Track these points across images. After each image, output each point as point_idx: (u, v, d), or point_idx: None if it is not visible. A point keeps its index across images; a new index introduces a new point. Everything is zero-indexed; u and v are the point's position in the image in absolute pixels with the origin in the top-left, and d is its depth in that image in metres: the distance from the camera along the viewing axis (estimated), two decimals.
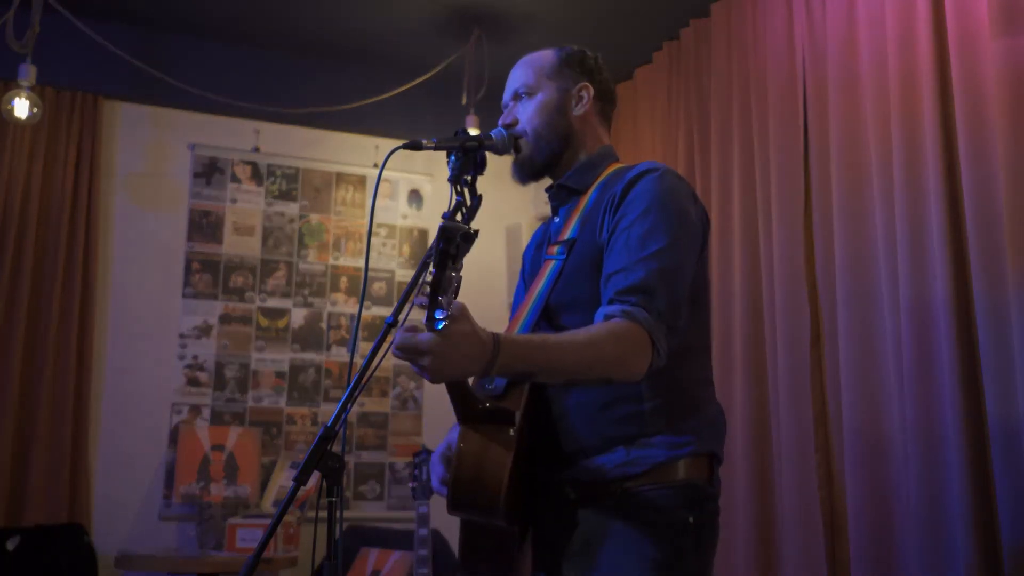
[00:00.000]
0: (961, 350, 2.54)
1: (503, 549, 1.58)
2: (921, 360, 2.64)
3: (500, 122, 1.79)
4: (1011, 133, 2.43)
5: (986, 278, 2.47)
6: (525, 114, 1.78)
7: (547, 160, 1.78)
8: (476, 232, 1.30)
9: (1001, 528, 2.37)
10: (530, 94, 1.78)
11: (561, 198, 1.81)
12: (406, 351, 1.32)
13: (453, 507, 1.54)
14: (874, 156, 2.95)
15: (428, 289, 1.27)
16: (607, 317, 1.51)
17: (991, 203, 2.49)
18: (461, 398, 1.54)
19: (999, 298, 2.44)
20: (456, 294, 1.30)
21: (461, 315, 1.33)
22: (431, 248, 1.27)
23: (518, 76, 1.82)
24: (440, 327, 1.28)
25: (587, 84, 1.80)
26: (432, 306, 1.28)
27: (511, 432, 1.52)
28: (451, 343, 1.32)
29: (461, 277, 1.30)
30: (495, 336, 1.38)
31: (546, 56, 1.82)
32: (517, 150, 1.77)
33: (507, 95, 1.83)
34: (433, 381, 1.38)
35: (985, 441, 2.46)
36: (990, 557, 2.41)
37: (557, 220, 1.81)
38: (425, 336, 1.31)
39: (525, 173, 1.79)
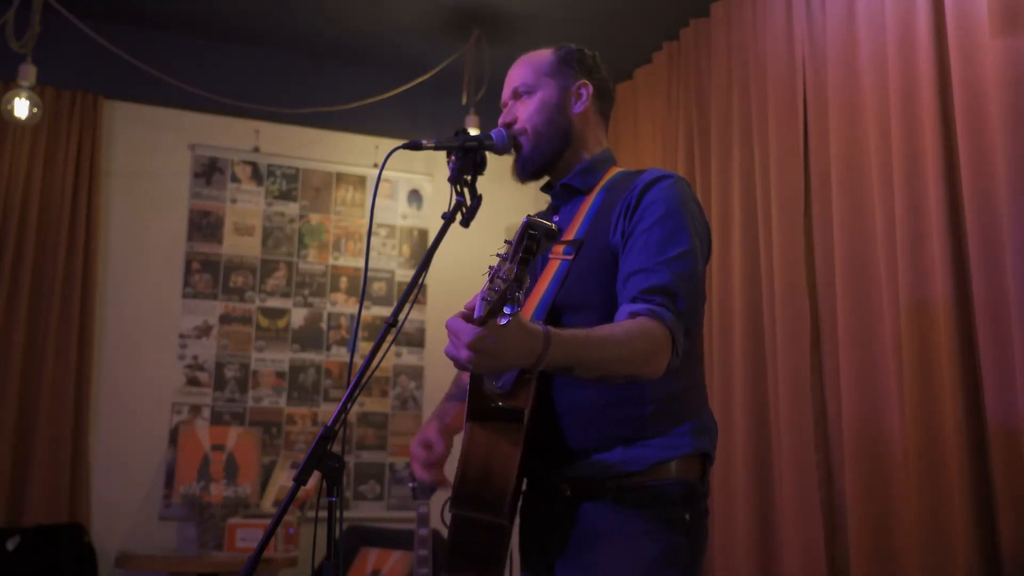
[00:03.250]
0: (961, 350, 2.54)
1: (495, 547, 1.58)
2: (921, 360, 2.64)
3: (500, 121, 1.79)
4: (1011, 133, 2.43)
5: (986, 278, 2.47)
6: (525, 112, 1.77)
7: (548, 158, 1.77)
8: (560, 230, 1.28)
9: (1001, 528, 2.37)
10: (529, 92, 1.78)
11: (563, 198, 1.81)
12: (456, 335, 1.31)
13: (456, 504, 1.54)
14: (874, 156, 2.95)
15: (498, 282, 1.24)
16: (633, 315, 1.52)
17: (991, 202, 2.49)
18: (476, 393, 1.55)
19: (999, 298, 2.44)
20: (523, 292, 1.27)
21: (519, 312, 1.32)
22: (515, 238, 1.23)
23: (517, 75, 1.81)
24: (505, 322, 1.26)
25: (586, 82, 1.80)
26: (503, 300, 1.24)
27: (519, 431, 1.53)
28: (509, 339, 1.32)
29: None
30: (546, 331, 1.38)
31: (544, 55, 1.82)
32: (517, 149, 1.77)
33: (506, 94, 1.83)
34: (480, 372, 1.40)
35: (985, 441, 2.45)
36: (990, 557, 2.41)
37: (557, 219, 1.80)
38: (473, 329, 1.29)
39: (526, 172, 1.79)
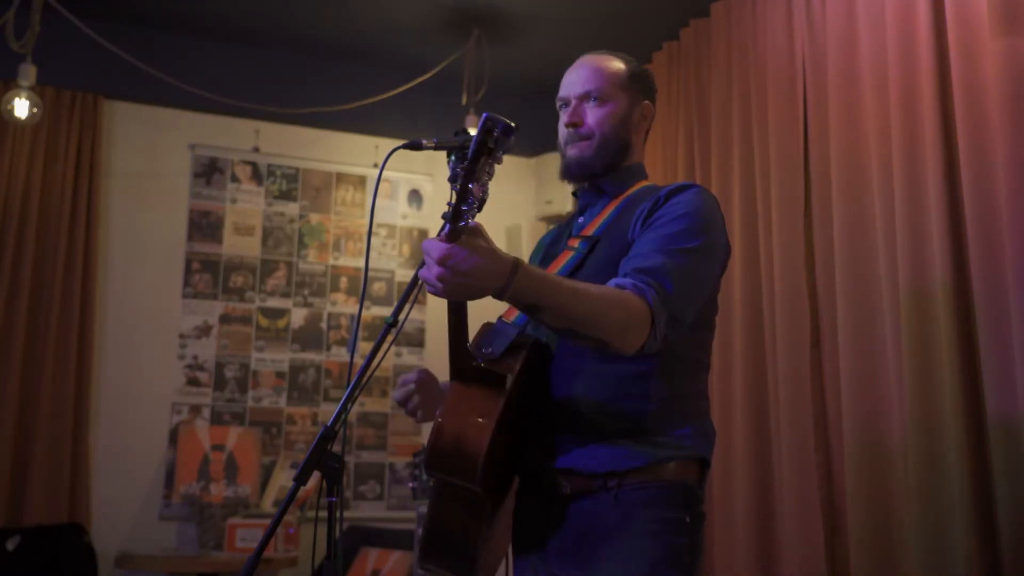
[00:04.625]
0: (961, 349, 2.54)
1: (473, 518, 1.54)
2: (921, 360, 2.64)
3: (566, 120, 1.80)
4: (1011, 133, 2.43)
5: (986, 277, 2.47)
6: (595, 118, 1.78)
7: (606, 166, 1.79)
8: (516, 127, 1.29)
9: (1001, 528, 2.37)
10: (602, 99, 1.79)
11: (590, 198, 1.84)
12: (428, 253, 1.33)
13: (431, 464, 1.52)
14: (874, 156, 2.95)
15: (456, 183, 1.25)
16: (619, 287, 1.54)
17: (991, 202, 2.49)
18: (458, 351, 1.53)
19: (999, 297, 2.44)
20: (484, 201, 1.28)
21: (480, 229, 1.34)
22: (474, 136, 1.26)
23: (590, 78, 1.81)
24: (469, 223, 1.27)
25: (650, 104, 1.85)
26: (461, 199, 1.25)
27: (500, 397, 1.51)
28: (477, 256, 1.33)
29: (487, 189, 1.28)
30: (515, 259, 1.40)
31: (618, 65, 1.83)
32: (577, 149, 1.78)
33: (573, 90, 1.82)
34: (450, 295, 1.38)
35: (985, 441, 2.45)
36: (990, 557, 2.41)
37: (582, 219, 1.83)
38: (443, 245, 1.31)
39: (582, 172, 1.80)
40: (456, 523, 1.55)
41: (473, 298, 1.42)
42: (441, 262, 1.32)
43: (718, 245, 1.69)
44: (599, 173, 1.80)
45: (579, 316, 1.48)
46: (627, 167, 1.82)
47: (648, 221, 1.66)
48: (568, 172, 1.82)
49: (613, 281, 1.56)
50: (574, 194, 1.88)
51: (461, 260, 1.32)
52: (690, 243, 1.60)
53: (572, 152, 1.79)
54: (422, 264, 1.37)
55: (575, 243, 1.75)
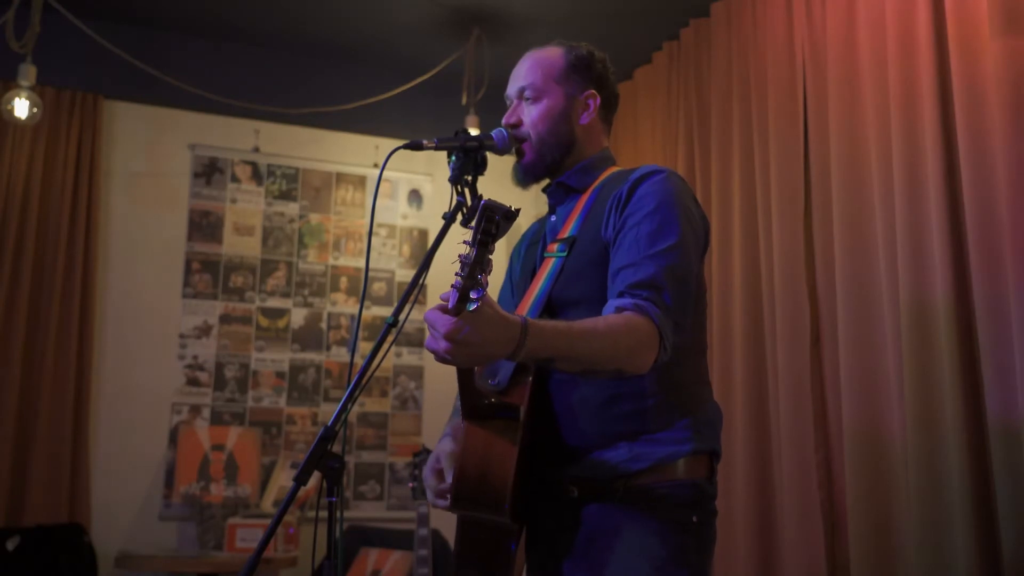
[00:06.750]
0: (961, 350, 2.54)
1: (501, 547, 1.57)
2: (921, 360, 2.64)
3: (504, 120, 1.77)
4: (1011, 133, 2.43)
5: (986, 278, 2.47)
6: (529, 117, 1.76)
7: (549, 166, 1.77)
8: (518, 211, 1.28)
9: (1001, 528, 2.37)
10: (536, 97, 1.76)
11: (559, 197, 1.81)
12: (433, 327, 1.32)
13: (457, 504, 1.54)
14: (874, 156, 2.95)
15: (464, 268, 1.25)
16: (619, 309, 1.52)
17: (991, 203, 2.49)
18: (468, 391, 1.54)
19: (999, 298, 2.44)
20: (488, 275, 1.28)
21: (488, 298, 1.31)
22: (475, 221, 1.25)
23: (525, 74, 1.78)
24: (474, 307, 1.26)
25: (594, 93, 1.78)
26: (469, 285, 1.25)
27: (516, 429, 1.52)
28: (485, 327, 1.31)
29: (491, 260, 1.28)
30: (524, 319, 1.38)
31: (555, 57, 1.79)
32: (520, 154, 1.77)
33: (512, 89, 1.80)
34: (460, 365, 1.38)
35: (985, 441, 2.45)
36: (990, 557, 2.41)
37: (554, 219, 1.81)
38: (449, 320, 1.29)
39: (528, 177, 1.79)
40: (486, 547, 1.58)
41: (484, 364, 1.42)
42: (449, 337, 1.30)
43: (695, 228, 1.66)
44: (543, 173, 1.78)
45: (593, 357, 1.47)
46: (589, 159, 1.78)
47: (621, 218, 1.63)
48: (516, 177, 1.79)
49: (613, 303, 1.54)
50: (544, 191, 1.85)
51: (470, 333, 1.30)
52: (669, 239, 1.58)
53: (517, 157, 1.77)
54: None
55: (553, 248, 1.72)
